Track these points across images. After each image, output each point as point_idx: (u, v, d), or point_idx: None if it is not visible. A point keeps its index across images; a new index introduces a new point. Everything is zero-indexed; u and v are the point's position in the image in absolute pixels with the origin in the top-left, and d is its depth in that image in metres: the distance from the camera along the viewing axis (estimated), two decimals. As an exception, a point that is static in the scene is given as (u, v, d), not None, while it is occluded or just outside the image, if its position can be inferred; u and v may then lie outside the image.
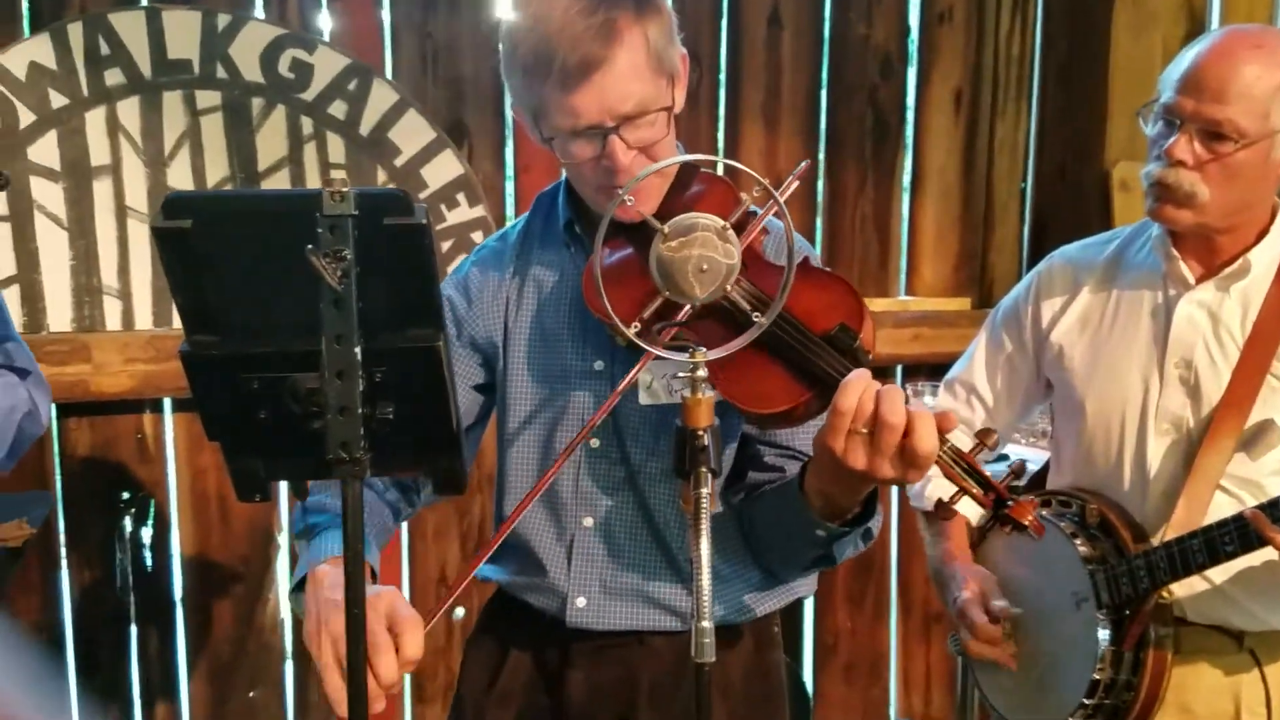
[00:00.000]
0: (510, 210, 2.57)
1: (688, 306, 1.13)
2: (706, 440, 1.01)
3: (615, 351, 1.32)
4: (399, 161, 2.44)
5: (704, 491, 0.99)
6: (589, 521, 1.34)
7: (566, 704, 1.38)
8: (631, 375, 1.19)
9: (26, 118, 2.21)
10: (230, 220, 0.82)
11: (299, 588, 1.18)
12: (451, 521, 2.63)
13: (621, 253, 1.29)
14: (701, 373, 1.02)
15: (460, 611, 2.67)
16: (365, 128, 2.40)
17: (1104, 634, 1.51)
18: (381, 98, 2.39)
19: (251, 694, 2.55)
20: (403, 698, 2.65)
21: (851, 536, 1.21)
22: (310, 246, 0.76)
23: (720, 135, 2.70)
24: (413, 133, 2.42)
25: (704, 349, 1.03)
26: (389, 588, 1.12)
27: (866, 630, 2.98)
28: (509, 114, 2.54)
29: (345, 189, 0.77)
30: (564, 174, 1.37)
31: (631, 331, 1.08)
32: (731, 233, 1.05)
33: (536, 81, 1.18)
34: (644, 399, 1.29)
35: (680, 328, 1.17)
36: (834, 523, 1.18)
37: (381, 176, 2.43)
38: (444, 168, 2.46)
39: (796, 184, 1.19)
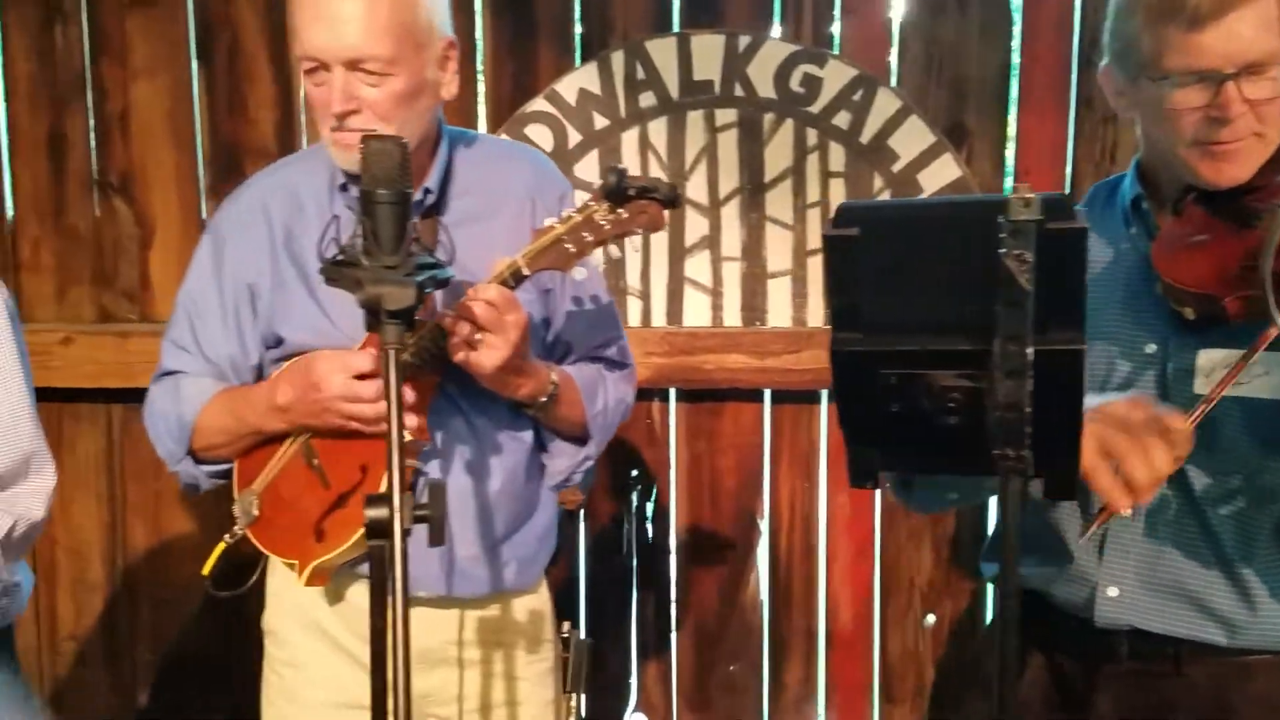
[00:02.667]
0: (1006, 214, 2.50)
1: None
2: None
3: (1169, 334, 1.26)
4: (896, 167, 2.47)
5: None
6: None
7: None
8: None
9: (574, 138, 2.53)
10: (900, 227, 0.88)
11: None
12: (925, 527, 2.63)
13: (1200, 229, 1.22)
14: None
15: (931, 619, 2.67)
16: (866, 136, 2.46)
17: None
18: (884, 105, 2.44)
19: (732, 668, 2.73)
20: (871, 695, 2.70)
21: None
22: (1002, 250, 0.80)
23: None
24: (912, 138, 2.44)
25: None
26: None
27: None
28: (1012, 115, 2.49)
29: (1031, 195, 0.80)
30: (1136, 154, 1.33)
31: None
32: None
33: (1161, 19, 1.16)
34: (1200, 386, 1.22)
35: None
36: None
37: (878, 183, 2.48)
38: (942, 171, 2.46)
39: None
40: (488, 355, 1.38)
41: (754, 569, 2.69)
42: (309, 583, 1.51)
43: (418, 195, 1.51)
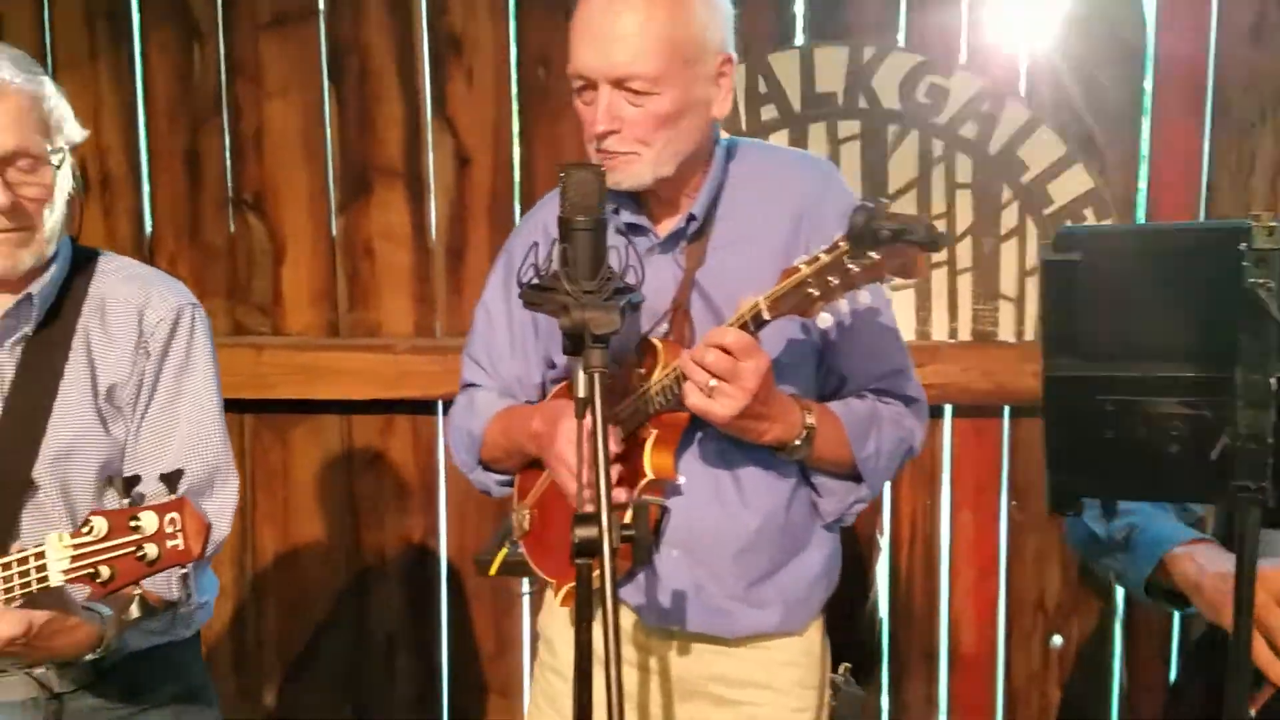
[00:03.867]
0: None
1: None
2: None
3: None
4: (1025, 179, 2.43)
5: None
6: None
7: None
8: None
9: (694, 153, 2.53)
10: (1126, 253, 0.86)
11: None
12: (1053, 544, 2.57)
13: None
14: None
15: (1058, 640, 2.61)
16: (994, 147, 2.42)
17: None
18: (1013, 116, 2.40)
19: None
20: (994, 717, 2.64)
21: None
22: (1249, 279, 0.78)
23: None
24: (1042, 149, 2.40)
25: None
26: None
27: None
28: (1145, 125, 2.43)
29: (1275, 223, 0.77)
30: None
31: None
32: None
33: None
34: None
35: None
36: None
37: (1007, 194, 2.44)
38: (1073, 183, 2.40)
39: None
40: (722, 405, 1.32)
41: (873, 586, 2.66)
42: (563, 603, 1.53)
43: (679, 224, 1.50)
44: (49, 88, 1.49)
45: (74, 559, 1.29)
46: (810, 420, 1.44)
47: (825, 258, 1.27)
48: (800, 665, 1.56)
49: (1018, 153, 2.41)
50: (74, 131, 1.53)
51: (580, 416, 1.13)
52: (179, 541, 1.29)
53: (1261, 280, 0.78)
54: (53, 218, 1.49)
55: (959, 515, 2.60)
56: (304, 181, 2.62)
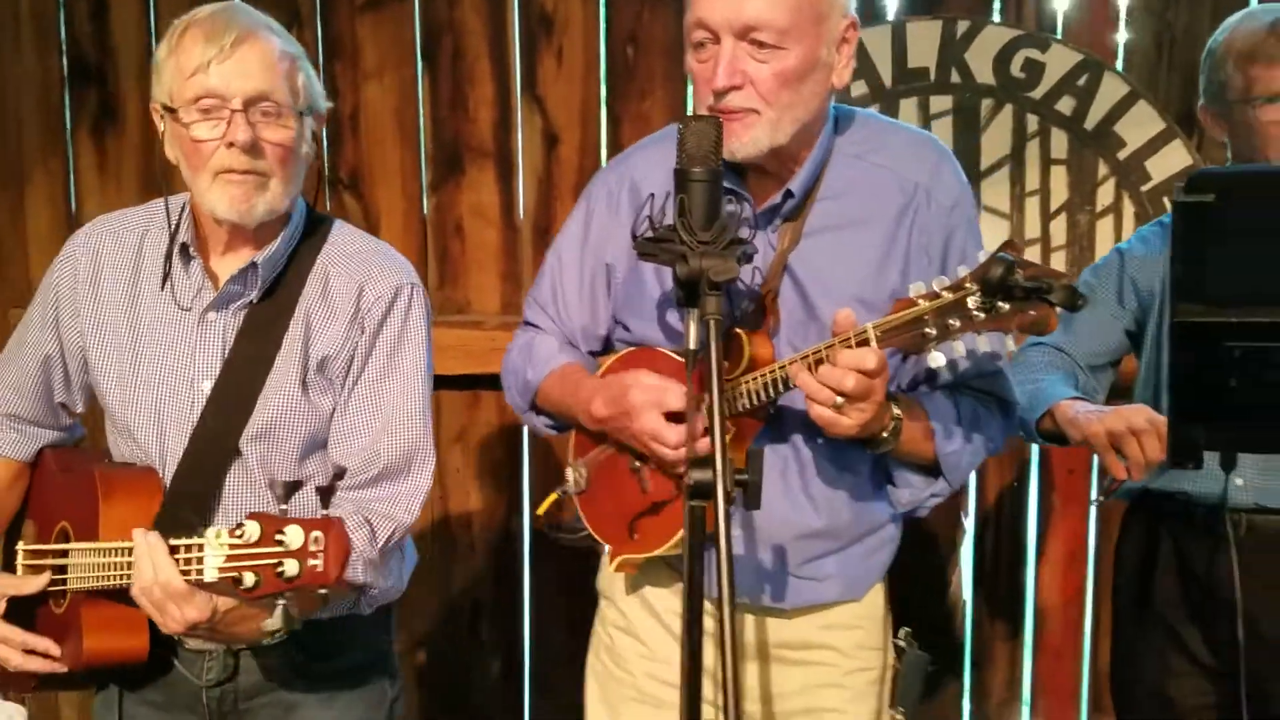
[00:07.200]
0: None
1: None
2: None
3: None
4: (1123, 154, 2.38)
5: None
6: None
7: None
8: None
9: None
10: (1263, 193, 0.85)
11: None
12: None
13: None
14: None
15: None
16: (1091, 121, 2.38)
17: None
18: (1111, 90, 2.35)
19: (932, 669, 2.67)
20: (1079, 704, 2.60)
21: None
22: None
23: None
24: (1141, 124, 2.35)
25: None
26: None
27: None
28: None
29: None
30: None
31: None
32: None
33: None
34: None
35: None
36: None
37: (1103, 170, 2.40)
38: (1171, 158, 2.35)
39: None
40: (852, 418, 1.27)
41: (957, 568, 2.63)
42: (617, 569, 1.52)
43: (776, 199, 1.43)
44: (299, 51, 1.54)
45: (228, 558, 1.28)
46: (897, 412, 1.39)
47: (949, 296, 1.18)
48: (862, 628, 1.55)
49: (1114, 128, 2.37)
50: (319, 100, 1.56)
51: (692, 368, 1.14)
52: (319, 562, 1.26)
53: None
54: (291, 172, 1.51)
55: (1047, 497, 2.56)
56: (398, 161, 2.68)
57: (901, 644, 1.59)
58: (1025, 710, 2.64)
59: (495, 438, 2.73)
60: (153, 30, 2.73)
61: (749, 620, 1.52)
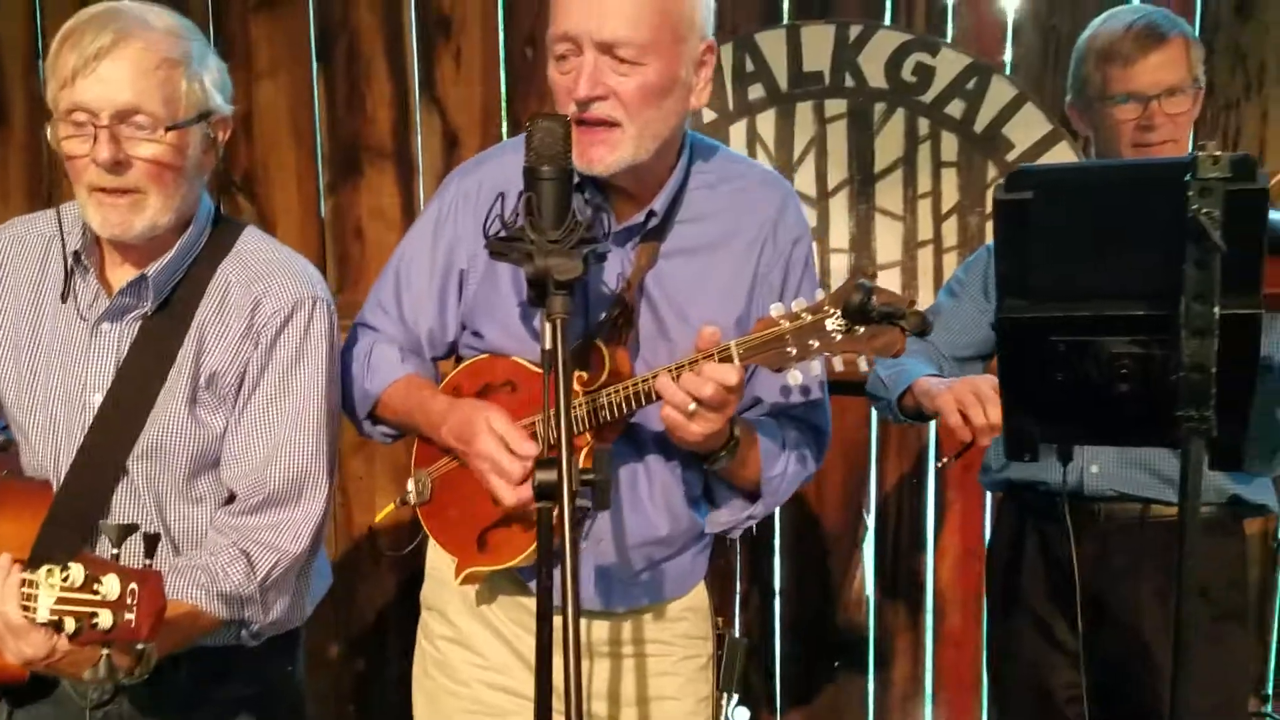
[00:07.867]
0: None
1: None
2: None
3: None
4: (1011, 156, 2.43)
5: None
6: None
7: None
8: None
9: (682, 132, 2.54)
10: (1077, 190, 0.87)
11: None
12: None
13: None
14: None
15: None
16: (980, 124, 2.43)
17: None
18: (999, 94, 2.40)
19: (836, 664, 2.71)
20: (980, 694, 2.65)
21: None
22: (1196, 206, 0.78)
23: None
24: (1029, 126, 2.41)
25: None
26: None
27: None
28: (1131, 102, 2.43)
29: (1219, 153, 0.78)
30: None
31: None
32: None
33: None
34: None
35: None
36: None
37: (992, 172, 2.44)
38: (1059, 159, 2.40)
39: None
40: (700, 426, 1.32)
41: (860, 564, 2.67)
42: (462, 583, 1.51)
43: (639, 218, 1.45)
44: (193, 52, 1.41)
45: (58, 599, 1.21)
46: (737, 433, 1.44)
47: (808, 318, 1.25)
48: (688, 619, 1.61)
49: (1003, 130, 2.42)
50: (217, 103, 1.44)
51: (547, 370, 1.13)
52: (132, 617, 1.18)
53: (1206, 209, 0.78)
54: (171, 187, 1.40)
55: (945, 493, 2.60)
56: (293, 163, 2.63)
57: (720, 631, 1.66)
58: (928, 702, 2.68)
59: (397, 444, 2.69)
60: (39, 26, 2.65)
61: (592, 623, 1.54)
